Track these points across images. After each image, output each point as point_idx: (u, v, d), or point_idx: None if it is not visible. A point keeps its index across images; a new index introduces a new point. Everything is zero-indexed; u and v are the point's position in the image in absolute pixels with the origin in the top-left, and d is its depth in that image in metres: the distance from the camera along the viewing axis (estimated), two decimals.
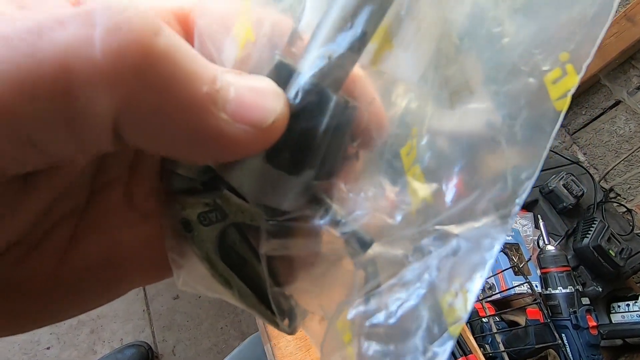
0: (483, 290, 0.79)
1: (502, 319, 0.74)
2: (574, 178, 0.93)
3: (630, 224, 1.01)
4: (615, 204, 1.07)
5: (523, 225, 0.89)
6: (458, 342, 0.65)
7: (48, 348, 1.30)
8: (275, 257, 0.14)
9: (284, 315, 0.15)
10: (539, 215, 0.88)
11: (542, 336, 0.67)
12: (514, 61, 0.13)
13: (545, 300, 0.75)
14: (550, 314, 0.73)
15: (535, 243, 0.86)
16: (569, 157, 1.06)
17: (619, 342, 0.85)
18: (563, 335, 0.70)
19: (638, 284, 0.99)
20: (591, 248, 0.82)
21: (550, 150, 1.17)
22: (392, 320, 0.13)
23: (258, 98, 0.11)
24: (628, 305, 0.84)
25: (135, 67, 0.09)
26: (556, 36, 0.12)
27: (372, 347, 0.13)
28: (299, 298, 0.16)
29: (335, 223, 0.13)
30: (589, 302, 0.72)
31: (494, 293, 0.76)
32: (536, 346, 0.66)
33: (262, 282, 0.15)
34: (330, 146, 0.13)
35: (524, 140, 0.12)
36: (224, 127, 0.10)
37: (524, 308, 0.72)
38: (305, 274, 0.15)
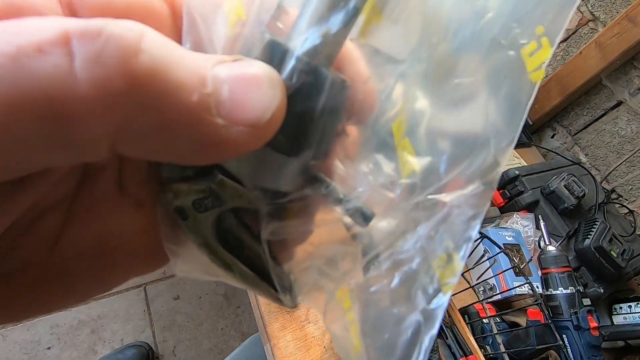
0: (484, 291, 0.79)
1: (502, 320, 0.74)
2: (576, 179, 0.92)
3: (632, 225, 1.01)
4: (617, 205, 1.06)
5: (524, 226, 0.88)
6: (458, 343, 0.64)
7: (49, 348, 1.30)
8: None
9: (286, 291, 0.15)
10: (540, 216, 0.88)
11: (543, 337, 0.66)
12: (495, 35, 0.13)
13: (546, 301, 0.74)
14: (551, 315, 0.73)
15: (536, 244, 0.86)
16: (570, 158, 1.06)
17: (620, 343, 0.85)
18: (564, 336, 0.70)
19: None
20: (593, 249, 0.81)
21: (552, 151, 1.18)
22: (391, 286, 0.14)
23: (253, 93, 0.10)
24: (630, 306, 0.83)
25: (121, 95, 0.09)
26: (533, 11, 0.12)
27: (373, 311, 0.15)
28: (297, 273, 0.16)
29: (338, 200, 0.14)
30: (589, 303, 0.72)
31: (494, 294, 0.76)
32: (537, 347, 0.65)
33: (261, 262, 0.15)
34: (326, 125, 0.13)
35: (505, 110, 0.13)
36: (221, 133, 0.10)
37: (524, 309, 0.71)
38: (302, 251, 0.15)
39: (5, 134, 0.08)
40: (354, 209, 0.14)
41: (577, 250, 0.85)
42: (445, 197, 0.14)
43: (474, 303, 0.72)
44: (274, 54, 0.12)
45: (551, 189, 0.91)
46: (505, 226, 0.87)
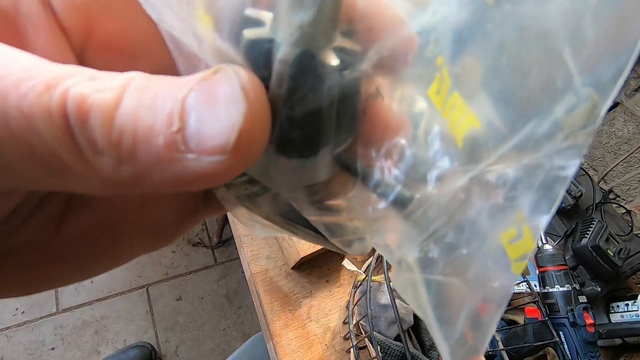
0: None
1: (501, 318, 0.74)
2: (573, 179, 0.93)
3: (630, 224, 1.02)
4: (614, 205, 1.07)
5: None
6: None
7: (52, 348, 1.31)
8: None
9: (346, 245, 0.15)
10: None
11: (541, 334, 0.67)
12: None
13: (543, 299, 0.75)
14: (548, 312, 0.73)
15: None
16: None
17: (618, 341, 0.86)
18: (561, 332, 0.71)
19: (637, 284, 1.00)
20: (590, 248, 0.83)
21: None
22: (455, 264, 0.12)
23: (215, 114, 0.09)
24: (627, 305, 0.84)
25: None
26: None
27: (435, 285, 0.13)
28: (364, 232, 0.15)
29: (373, 185, 0.13)
30: (586, 300, 0.72)
31: None
32: (535, 344, 0.66)
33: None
34: (342, 112, 0.11)
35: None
36: (194, 167, 0.09)
37: (522, 307, 0.72)
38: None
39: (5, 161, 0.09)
40: (389, 194, 0.12)
41: (575, 250, 0.86)
42: (514, 160, 0.11)
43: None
44: (257, 53, 0.10)
45: None
46: None
